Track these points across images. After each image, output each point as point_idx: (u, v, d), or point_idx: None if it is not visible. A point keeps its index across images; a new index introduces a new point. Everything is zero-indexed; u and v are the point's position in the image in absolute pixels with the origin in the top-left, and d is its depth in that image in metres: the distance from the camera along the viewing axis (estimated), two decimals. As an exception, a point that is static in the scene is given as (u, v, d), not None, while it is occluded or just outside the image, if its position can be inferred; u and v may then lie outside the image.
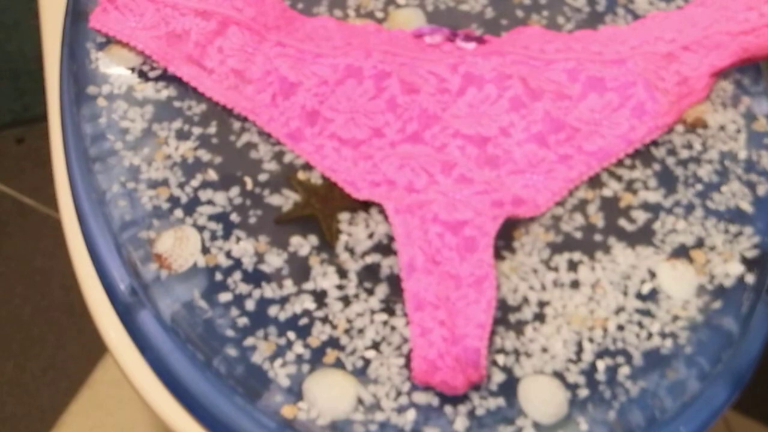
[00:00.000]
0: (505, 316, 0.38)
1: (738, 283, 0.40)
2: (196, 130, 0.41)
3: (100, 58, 0.43)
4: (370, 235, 0.39)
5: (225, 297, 0.37)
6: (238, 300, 0.37)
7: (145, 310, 0.36)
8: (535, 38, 0.44)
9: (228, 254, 0.38)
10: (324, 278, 0.38)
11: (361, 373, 0.36)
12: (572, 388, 0.36)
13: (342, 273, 0.38)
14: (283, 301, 0.37)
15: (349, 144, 0.40)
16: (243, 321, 0.36)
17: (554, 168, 0.41)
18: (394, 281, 0.38)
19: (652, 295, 0.39)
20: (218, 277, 0.37)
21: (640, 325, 0.38)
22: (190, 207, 0.39)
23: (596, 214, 0.41)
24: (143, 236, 0.38)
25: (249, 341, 0.36)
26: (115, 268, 0.37)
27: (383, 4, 0.46)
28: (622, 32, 0.45)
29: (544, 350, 0.37)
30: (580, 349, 0.37)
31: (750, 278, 0.40)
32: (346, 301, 0.37)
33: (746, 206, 0.42)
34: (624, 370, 0.37)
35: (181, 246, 0.38)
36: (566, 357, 0.37)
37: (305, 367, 0.36)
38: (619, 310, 0.39)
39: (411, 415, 0.35)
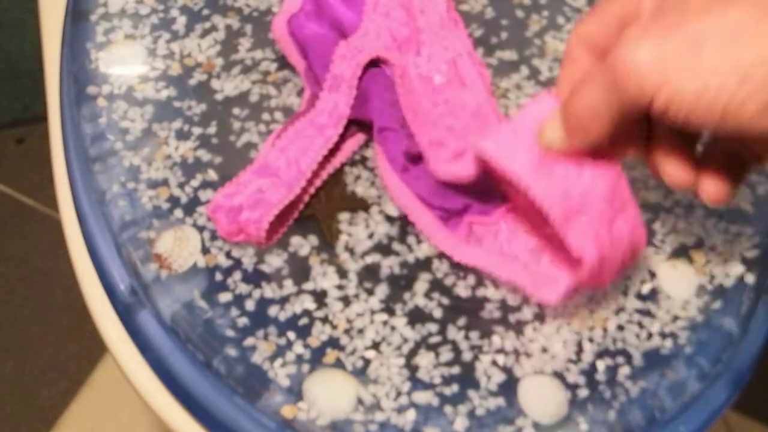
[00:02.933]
0: (505, 316, 0.38)
1: (738, 283, 0.40)
2: (196, 130, 0.41)
3: (100, 58, 0.43)
4: (370, 235, 0.39)
5: (225, 297, 0.37)
6: (238, 300, 0.37)
7: (145, 310, 0.36)
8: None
9: (228, 254, 0.38)
10: (324, 278, 0.38)
11: (361, 373, 0.36)
12: (572, 388, 0.36)
13: (342, 273, 0.38)
14: (283, 301, 0.37)
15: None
16: (243, 321, 0.36)
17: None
18: (394, 281, 0.38)
19: (652, 295, 0.39)
20: (218, 277, 0.37)
21: (640, 325, 0.38)
22: (190, 207, 0.39)
23: (596, 214, 0.41)
24: (143, 236, 0.38)
25: (249, 341, 0.36)
26: (115, 268, 0.37)
27: (383, 4, 0.46)
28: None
29: (544, 350, 0.37)
30: (580, 349, 0.37)
31: (750, 278, 0.40)
32: (346, 301, 0.37)
33: (746, 206, 0.42)
34: (624, 370, 0.37)
35: (181, 246, 0.38)
36: (566, 357, 0.37)
37: (305, 367, 0.36)
38: (619, 310, 0.39)
39: (411, 415, 0.35)
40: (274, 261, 0.38)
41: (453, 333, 0.37)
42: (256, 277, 0.38)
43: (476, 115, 0.41)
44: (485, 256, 0.39)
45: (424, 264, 0.39)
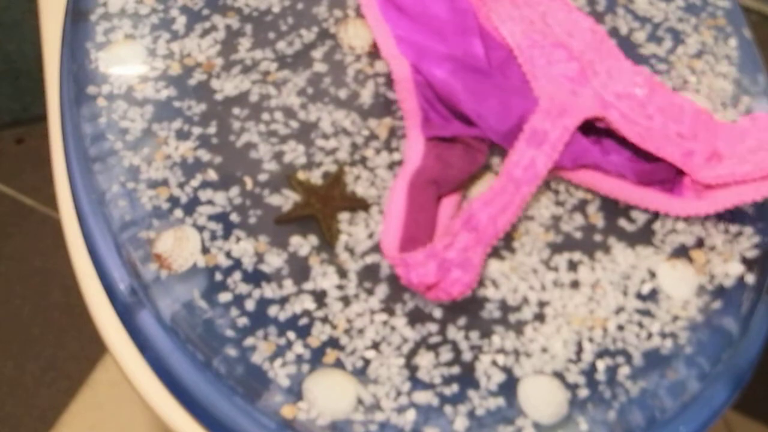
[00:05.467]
0: (505, 316, 0.38)
1: (738, 283, 0.40)
2: (196, 130, 0.41)
3: (100, 58, 0.43)
4: (370, 235, 0.39)
5: (225, 297, 0.37)
6: (238, 300, 0.37)
7: (145, 310, 0.36)
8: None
9: (228, 254, 0.38)
10: (324, 278, 0.38)
11: (361, 373, 0.36)
12: (572, 388, 0.36)
13: (342, 273, 0.38)
14: (283, 301, 0.37)
15: None
16: (243, 321, 0.36)
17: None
18: (394, 281, 0.38)
19: (652, 295, 0.39)
20: (218, 277, 0.37)
21: (640, 325, 0.38)
22: (190, 207, 0.39)
23: (596, 214, 0.41)
24: (143, 236, 0.38)
25: (249, 341, 0.36)
26: (115, 268, 0.37)
27: (383, 4, 0.46)
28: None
29: (544, 350, 0.37)
30: (580, 349, 0.37)
31: (750, 278, 0.40)
32: (346, 301, 0.37)
33: (746, 206, 0.42)
34: (624, 370, 0.37)
35: (181, 246, 0.38)
36: (566, 357, 0.37)
37: (305, 367, 0.36)
38: (619, 310, 0.39)
39: (411, 415, 0.35)
40: (274, 261, 0.38)
41: (453, 333, 0.37)
42: (256, 277, 0.38)
43: (697, 114, 0.41)
44: (734, 192, 0.39)
45: (424, 264, 0.39)
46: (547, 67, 0.42)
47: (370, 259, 0.39)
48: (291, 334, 0.36)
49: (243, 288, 0.37)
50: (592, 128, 0.41)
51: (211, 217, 0.39)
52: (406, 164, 0.40)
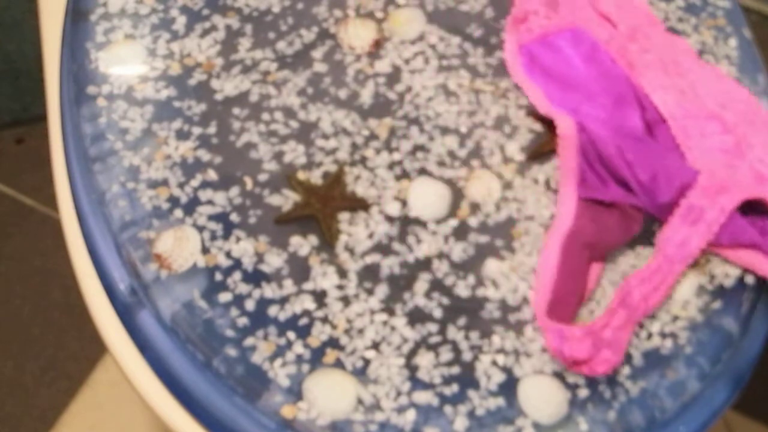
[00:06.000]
0: (505, 316, 0.38)
1: (738, 283, 0.40)
2: (196, 130, 0.41)
3: (100, 58, 0.43)
4: (370, 235, 0.39)
5: (225, 297, 0.37)
6: (238, 300, 0.37)
7: (144, 310, 0.36)
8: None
9: (228, 254, 0.38)
10: (324, 278, 0.38)
11: (361, 373, 0.36)
12: (572, 388, 0.36)
13: (342, 273, 0.38)
14: (283, 301, 0.37)
15: None
16: (243, 321, 0.36)
17: None
18: (394, 281, 0.38)
19: (652, 295, 0.39)
20: (218, 277, 0.37)
21: (640, 325, 0.38)
22: (190, 207, 0.39)
23: (596, 214, 0.41)
24: (143, 236, 0.38)
25: (249, 341, 0.36)
26: (115, 268, 0.37)
27: (383, 4, 0.46)
28: None
29: (544, 350, 0.37)
30: (580, 349, 0.37)
31: (750, 278, 0.40)
32: (346, 301, 0.37)
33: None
34: (624, 370, 0.37)
35: (181, 246, 0.38)
36: (566, 357, 0.37)
37: (305, 367, 0.36)
38: (619, 310, 0.39)
39: (411, 415, 0.35)
40: (274, 261, 0.38)
41: (453, 333, 0.37)
42: (256, 277, 0.38)
43: None
44: None
45: (424, 264, 0.39)
46: (701, 139, 0.41)
47: (370, 259, 0.39)
48: (291, 334, 0.36)
49: (243, 288, 0.37)
50: (750, 206, 0.40)
51: (211, 217, 0.39)
52: (558, 222, 0.39)
